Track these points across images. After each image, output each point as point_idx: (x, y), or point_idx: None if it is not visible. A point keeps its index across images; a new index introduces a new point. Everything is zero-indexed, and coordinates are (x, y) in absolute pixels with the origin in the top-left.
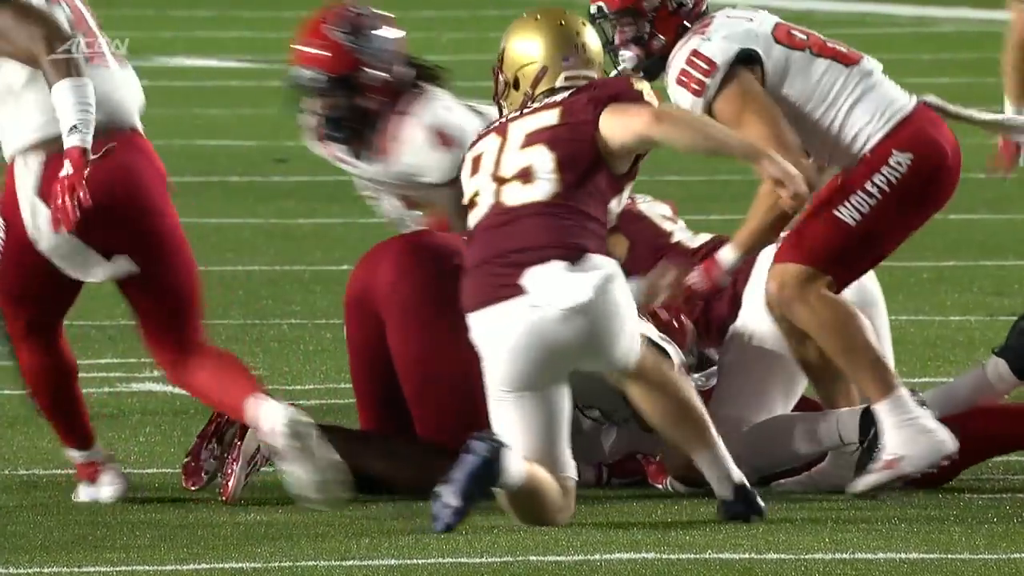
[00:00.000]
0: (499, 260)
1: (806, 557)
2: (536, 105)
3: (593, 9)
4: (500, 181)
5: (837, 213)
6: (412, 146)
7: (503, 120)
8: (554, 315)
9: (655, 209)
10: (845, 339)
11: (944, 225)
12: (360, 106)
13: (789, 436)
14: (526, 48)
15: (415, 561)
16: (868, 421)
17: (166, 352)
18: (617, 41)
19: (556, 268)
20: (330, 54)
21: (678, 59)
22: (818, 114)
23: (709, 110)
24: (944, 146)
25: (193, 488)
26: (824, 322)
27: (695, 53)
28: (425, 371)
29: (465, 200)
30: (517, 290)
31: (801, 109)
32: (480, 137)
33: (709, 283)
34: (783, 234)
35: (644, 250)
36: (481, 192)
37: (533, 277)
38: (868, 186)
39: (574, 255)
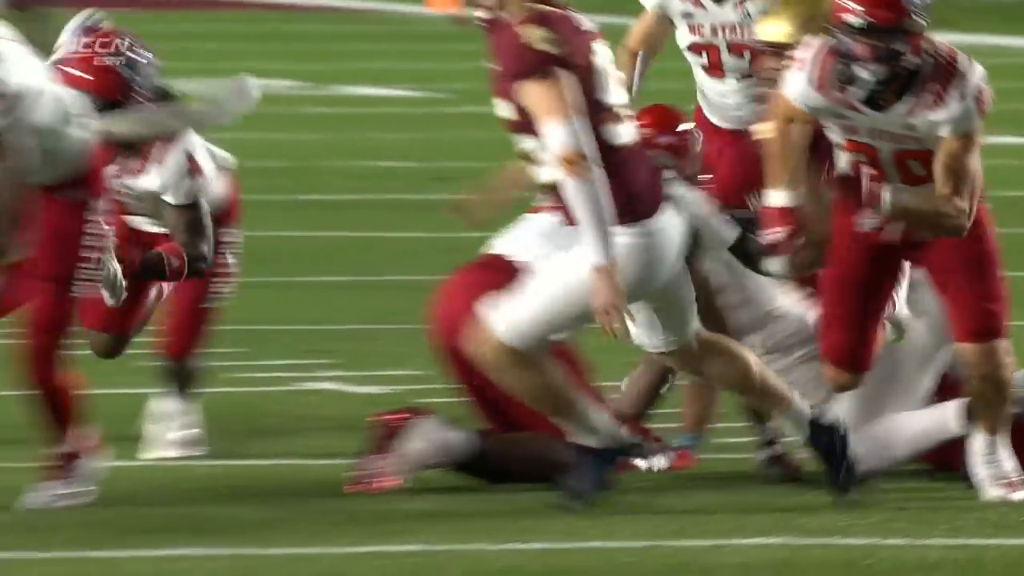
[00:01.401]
0: (660, 178)
1: (923, 543)
2: (588, 29)
3: (858, 22)
4: (626, 107)
5: (1000, 274)
6: (169, 168)
7: (594, 32)
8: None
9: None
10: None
11: None
12: None
13: (911, 434)
14: None
15: (563, 545)
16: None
17: None
18: (869, 55)
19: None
20: (102, 79)
21: (974, 80)
22: None
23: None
24: None
25: (372, 488)
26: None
27: (985, 81)
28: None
29: (613, 101)
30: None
31: None
32: (588, 38)
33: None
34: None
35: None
36: (622, 111)
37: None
38: (990, 247)
39: None
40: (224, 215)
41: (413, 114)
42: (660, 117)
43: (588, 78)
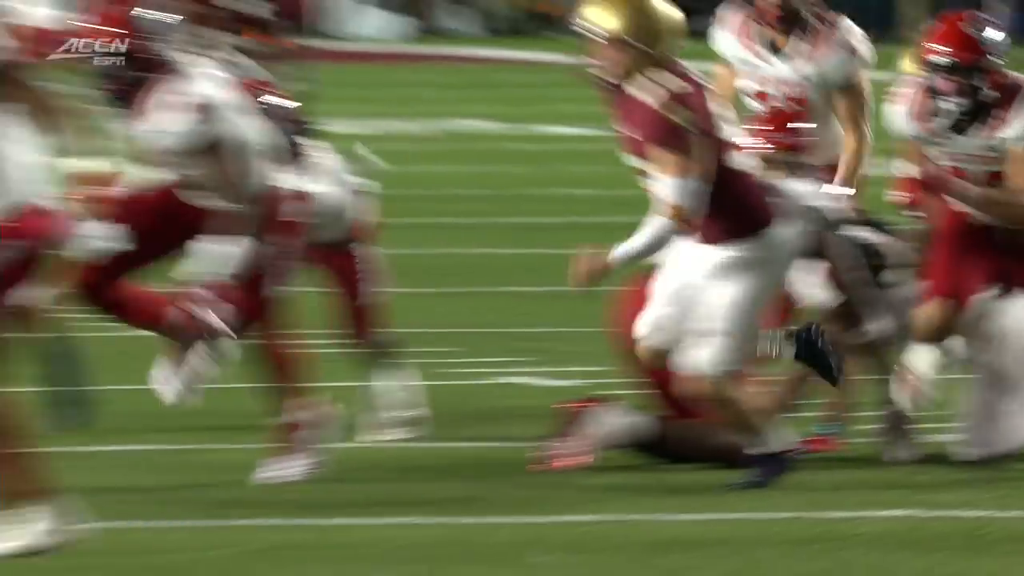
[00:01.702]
0: (771, 196)
1: None
2: (700, 80)
3: (945, 61)
4: (739, 138)
5: None
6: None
7: (705, 82)
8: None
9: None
10: None
11: None
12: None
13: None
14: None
15: (710, 516)
16: None
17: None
18: (953, 91)
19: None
20: None
21: None
22: None
23: None
24: None
25: (557, 467)
26: None
27: None
28: None
29: (727, 135)
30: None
31: None
32: (704, 90)
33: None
34: None
35: None
36: (736, 142)
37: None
38: None
39: None
40: (354, 232)
41: (596, 149)
42: (775, 119)
43: (710, 126)
